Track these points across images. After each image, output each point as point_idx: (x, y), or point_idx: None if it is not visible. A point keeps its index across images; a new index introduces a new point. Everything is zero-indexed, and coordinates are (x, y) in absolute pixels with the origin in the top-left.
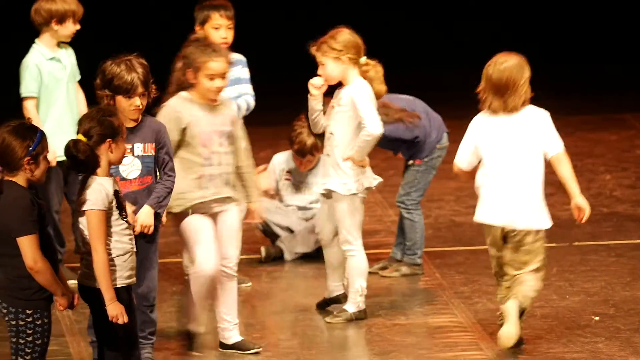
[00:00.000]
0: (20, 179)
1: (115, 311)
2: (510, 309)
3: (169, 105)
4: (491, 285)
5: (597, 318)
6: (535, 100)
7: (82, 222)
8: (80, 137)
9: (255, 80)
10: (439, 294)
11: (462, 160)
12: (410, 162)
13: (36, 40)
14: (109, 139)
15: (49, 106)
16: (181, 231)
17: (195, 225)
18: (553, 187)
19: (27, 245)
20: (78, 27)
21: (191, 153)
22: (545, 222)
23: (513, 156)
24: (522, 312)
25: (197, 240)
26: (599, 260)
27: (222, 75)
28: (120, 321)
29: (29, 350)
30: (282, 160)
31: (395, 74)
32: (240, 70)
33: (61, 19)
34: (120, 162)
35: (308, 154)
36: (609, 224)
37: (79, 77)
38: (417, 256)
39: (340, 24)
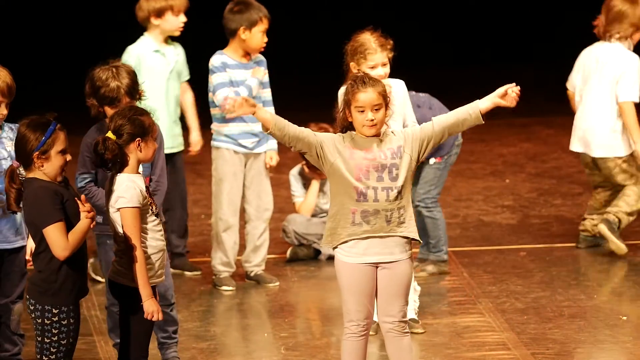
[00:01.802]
0: (38, 175)
1: (152, 308)
2: (603, 231)
3: (335, 134)
4: (519, 285)
5: (625, 318)
6: (565, 100)
7: (116, 219)
8: (110, 135)
9: (275, 81)
10: (467, 294)
11: (569, 82)
12: (432, 161)
13: (145, 33)
14: (138, 138)
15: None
16: (338, 277)
17: (349, 278)
18: (581, 187)
19: (53, 234)
20: (183, 19)
21: (345, 187)
22: (619, 149)
23: (593, 85)
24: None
25: (346, 296)
26: (627, 260)
27: (373, 107)
28: (155, 318)
29: (53, 350)
30: (296, 173)
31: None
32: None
33: (159, 13)
34: (150, 160)
35: None
36: (637, 224)
37: (186, 77)
38: (443, 252)
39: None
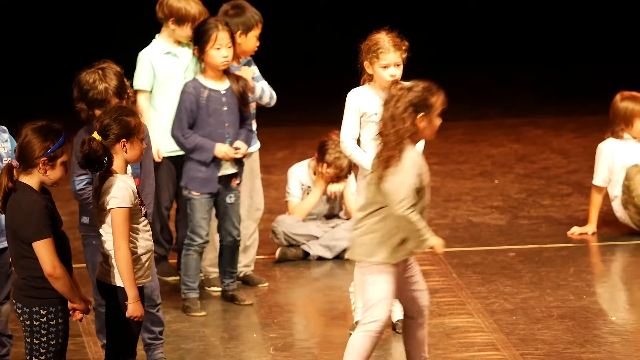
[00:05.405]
0: (33, 179)
1: (137, 312)
2: None
3: (413, 154)
4: (508, 286)
5: (614, 318)
6: (554, 101)
7: (106, 220)
8: (96, 135)
9: (268, 80)
10: (456, 294)
11: None
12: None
13: (157, 35)
14: (123, 139)
15: (167, 100)
16: (378, 282)
17: (393, 281)
18: (570, 187)
19: (44, 250)
20: None
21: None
22: None
23: None
24: None
25: (387, 299)
26: (616, 261)
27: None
28: (137, 319)
29: (43, 351)
30: (302, 175)
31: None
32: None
33: (179, 20)
34: (137, 161)
35: (344, 177)
36: (626, 225)
37: None
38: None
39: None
